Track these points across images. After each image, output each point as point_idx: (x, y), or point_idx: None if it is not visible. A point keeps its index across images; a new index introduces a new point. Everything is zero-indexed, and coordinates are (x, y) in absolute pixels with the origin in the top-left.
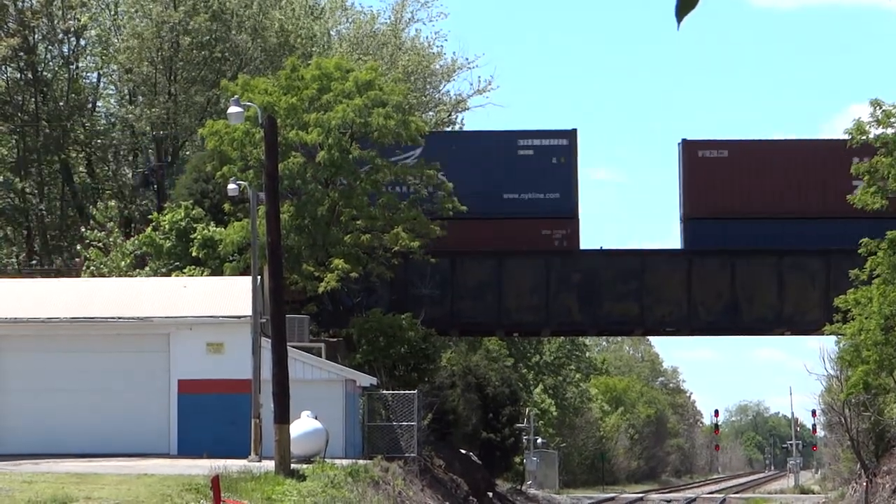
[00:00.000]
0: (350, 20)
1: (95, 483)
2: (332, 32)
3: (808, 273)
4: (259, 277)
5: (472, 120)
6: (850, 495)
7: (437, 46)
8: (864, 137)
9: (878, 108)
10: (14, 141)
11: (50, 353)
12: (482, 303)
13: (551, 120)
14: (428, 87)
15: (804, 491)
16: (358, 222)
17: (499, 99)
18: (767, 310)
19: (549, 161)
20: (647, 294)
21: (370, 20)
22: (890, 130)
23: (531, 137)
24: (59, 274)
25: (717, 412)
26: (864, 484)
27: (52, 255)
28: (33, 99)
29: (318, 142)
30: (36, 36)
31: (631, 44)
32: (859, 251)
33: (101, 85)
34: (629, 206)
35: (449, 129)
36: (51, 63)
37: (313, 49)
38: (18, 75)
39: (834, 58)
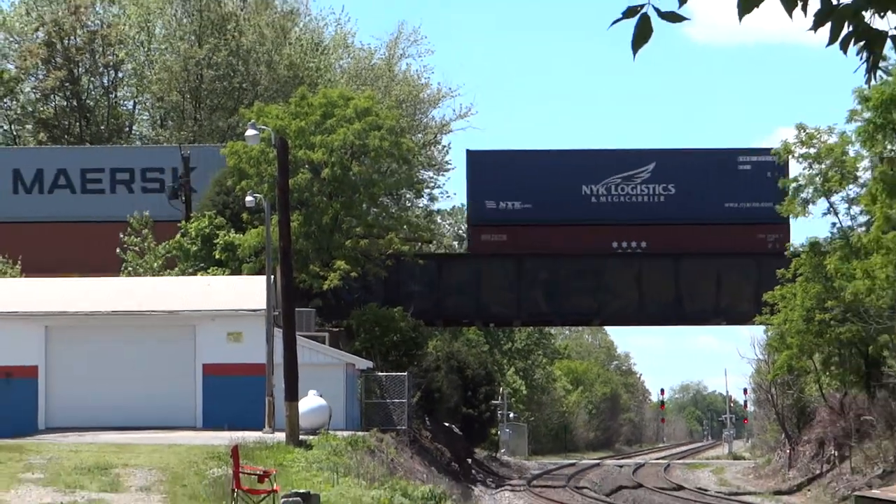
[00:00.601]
0: (350, 56)
1: (132, 452)
2: (335, 66)
3: (742, 272)
4: (272, 276)
5: (456, 141)
6: (775, 461)
7: (425, 78)
8: (789, 155)
9: (802, 131)
10: None
11: (93, 341)
12: (463, 298)
13: (522, 134)
14: (417, 113)
15: (736, 458)
16: (357, 229)
17: (477, 123)
18: (706, 304)
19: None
20: (603, 290)
21: (368, 56)
22: (812, 150)
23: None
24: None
25: (662, 391)
26: (788, 451)
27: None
28: (78, 123)
29: (323, 160)
30: (80, 69)
31: (592, 75)
32: (785, 254)
33: (136, 111)
34: None
35: (434, 149)
36: (93, 92)
37: (319, 80)
38: (65, 103)
39: (764, 87)
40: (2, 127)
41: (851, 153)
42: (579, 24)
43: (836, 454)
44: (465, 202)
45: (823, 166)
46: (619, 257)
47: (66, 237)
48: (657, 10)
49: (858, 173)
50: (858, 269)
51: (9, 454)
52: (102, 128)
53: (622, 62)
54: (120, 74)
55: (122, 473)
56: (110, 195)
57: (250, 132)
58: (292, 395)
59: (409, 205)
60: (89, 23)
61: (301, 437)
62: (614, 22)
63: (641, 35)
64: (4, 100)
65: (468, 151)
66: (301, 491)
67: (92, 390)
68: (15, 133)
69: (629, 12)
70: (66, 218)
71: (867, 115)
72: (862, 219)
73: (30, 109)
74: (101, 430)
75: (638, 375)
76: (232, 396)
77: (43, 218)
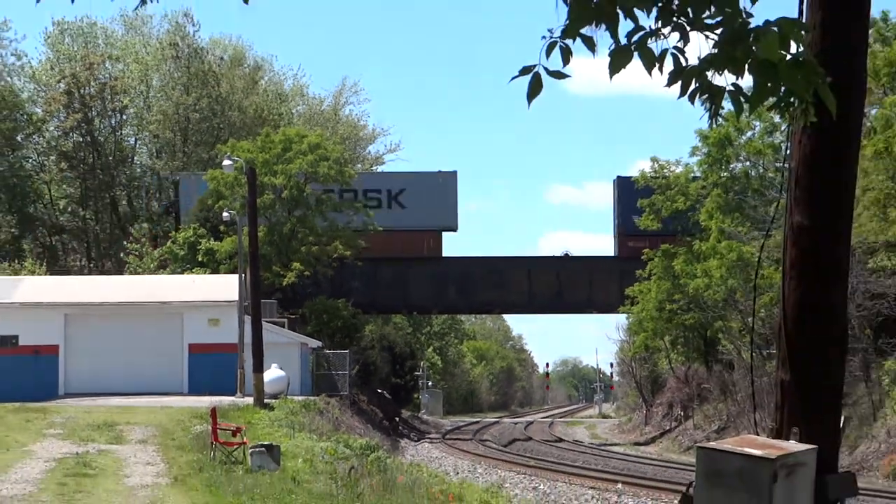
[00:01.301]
0: (305, 103)
1: (132, 413)
2: (293, 111)
3: (609, 272)
4: (243, 275)
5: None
6: (634, 419)
7: (363, 121)
8: (645, 181)
9: (655, 162)
10: (78, 183)
11: (102, 325)
12: (392, 292)
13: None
14: (357, 148)
15: (605, 417)
16: (310, 238)
17: (404, 155)
18: (581, 297)
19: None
20: (503, 286)
21: (318, 103)
22: (663, 178)
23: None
24: (108, 273)
25: (547, 364)
26: (644, 412)
27: (103, 260)
28: (91, 155)
29: (283, 184)
30: (93, 112)
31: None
32: (642, 257)
33: (137, 145)
34: (491, 227)
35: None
36: (103, 130)
37: (280, 122)
38: (81, 139)
39: (628, 128)
40: (31, 157)
41: (693, 180)
42: (490, 78)
43: (682, 414)
44: None
45: (672, 191)
46: (514, 261)
47: None
48: (546, 69)
49: (699, 195)
50: (699, 270)
51: (35, 414)
52: (111, 158)
53: (522, 109)
54: (124, 117)
55: (125, 429)
56: None
57: (226, 162)
58: (258, 367)
59: (351, 218)
60: (100, 76)
61: (265, 400)
62: (513, 78)
63: (534, 89)
64: (33, 136)
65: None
66: (265, 443)
67: (101, 364)
68: (41, 162)
69: (524, 70)
70: None
71: (706, 150)
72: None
73: (53, 144)
74: (108, 395)
75: (528, 352)
76: (211, 369)
77: None
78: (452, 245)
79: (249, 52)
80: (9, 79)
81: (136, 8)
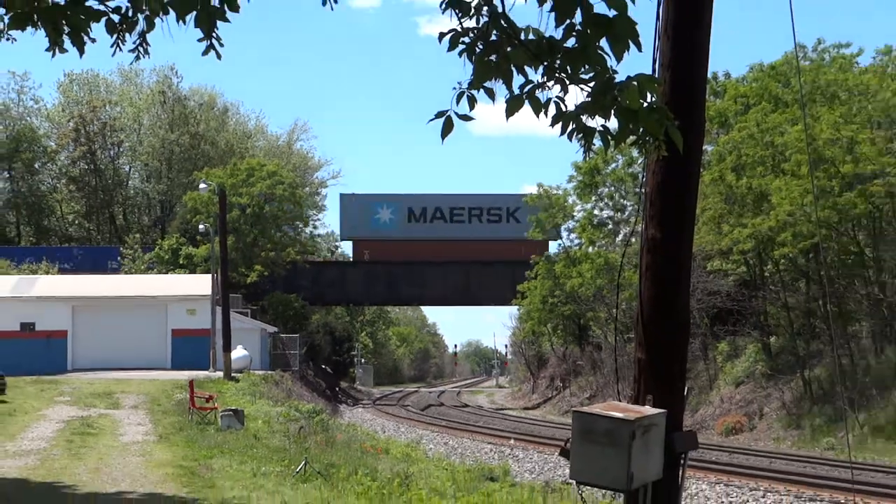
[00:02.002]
0: (265, 139)
1: (127, 384)
2: (255, 145)
3: (503, 273)
4: (215, 275)
5: (331, 194)
6: (523, 388)
7: (312, 153)
8: (532, 202)
9: (541, 187)
10: (84, 201)
11: (102, 315)
12: (334, 288)
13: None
14: (306, 174)
15: (500, 387)
16: (268, 246)
17: (345, 181)
18: (484, 291)
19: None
20: (422, 284)
21: (276, 139)
22: (546, 200)
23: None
24: (107, 273)
25: (456, 346)
26: (531, 383)
27: (104, 263)
28: (94, 179)
29: (247, 203)
30: (96, 145)
31: (414, 150)
32: (530, 261)
33: (131, 172)
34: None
35: (317, 197)
36: (103, 160)
37: (245, 153)
38: (86, 167)
39: (518, 161)
40: (46, 181)
41: (570, 201)
42: (417, 118)
43: (561, 385)
44: (336, 230)
45: (553, 209)
46: (433, 263)
47: None
48: (456, 113)
49: (575, 213)
50: (574, 272)
51: (48, 385)
52: (110, 182)
53: (436, 143)
54: (121, 149)
55: (120, 397)
56: None
57: (202, 186)
58: (227, 348)
59: (300, 231)
60: (102, 117)
61: (232, 374)
62: (430, 120)
63: (447, 129)
64: (48, 164)
65: (341, 195)
66: (233, 408)
67: (101, 345)
68: (54, 185)
69: (439, 114)
70: None
71: (580, 177)
72: (577, 242)
73: (64, 171)
74: (107, 370)
75: (441, 336)
76: (189, 349)
77: None
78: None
79: (221, 99)
80: (29, 119)
81: (132, 63)
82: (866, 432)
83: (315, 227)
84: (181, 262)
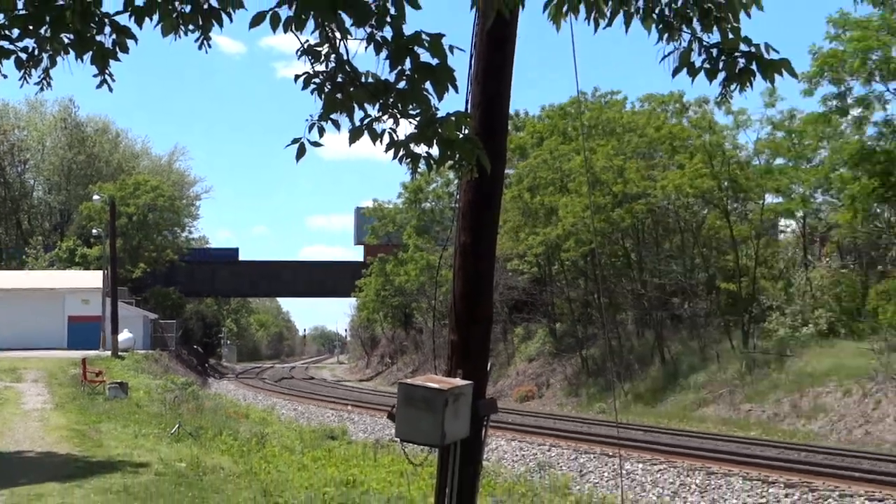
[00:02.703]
0: (149, 159)
1: (29, 362)
2: (141, 164)
3: (346, 271)
4: (105, 271)
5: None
6: (360, 364)
7: (188, 172)
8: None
9: (376, 202)
10: None
11: (9, 305)
12: (205, 283)
13: (240, 204)
14: (183, 189)
15: (341, 363)
16: (151, 247)
17: (217, 196)
18: (328, 286)
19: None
20: (278, 280)
21: (159, 159)
22: (381, 212)
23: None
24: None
25: (305, 330)
26: (366, 360)
27: (10, 261)
28: (3, 191)
29: (133, 212)
30: (5, 162)
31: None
32: (367, 262)
33: (35, 185)
34: (270, 243)
35: (192, 208)
36: (11, 174)
37: (132, 171)
38: None
39: (357, 183)
40: None
41: (399, 218)
42: (277, 143)
43: (390, 361)
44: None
45: (386, 219)
46: (286, 264)
47: None
48: (308, 140)
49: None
50: (402, 270)
51: None
52: (16, 193)
53: (292, 165)
54: (27, 166)
55: (23, 372)
56: None
57: (96, 197)
58: (115, 331)
59: (178, 235)
60: (11, 139)
61: (119, 353)
62: (287, 146)
63: (300, 153)
64: None
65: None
66: (119, 381)
67: (9, 329)
68: None
69: (294, 141)
70: None
71: (407, 194)
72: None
73: None
74: (12, 350)
75: (293, 322)
76: (83, 332)
77: None
78: (246, 255)
79: (112, 125)
80: None
81: (37, 93)
82: (630, 399)
83: (190, 232)
84: (77, 260)
